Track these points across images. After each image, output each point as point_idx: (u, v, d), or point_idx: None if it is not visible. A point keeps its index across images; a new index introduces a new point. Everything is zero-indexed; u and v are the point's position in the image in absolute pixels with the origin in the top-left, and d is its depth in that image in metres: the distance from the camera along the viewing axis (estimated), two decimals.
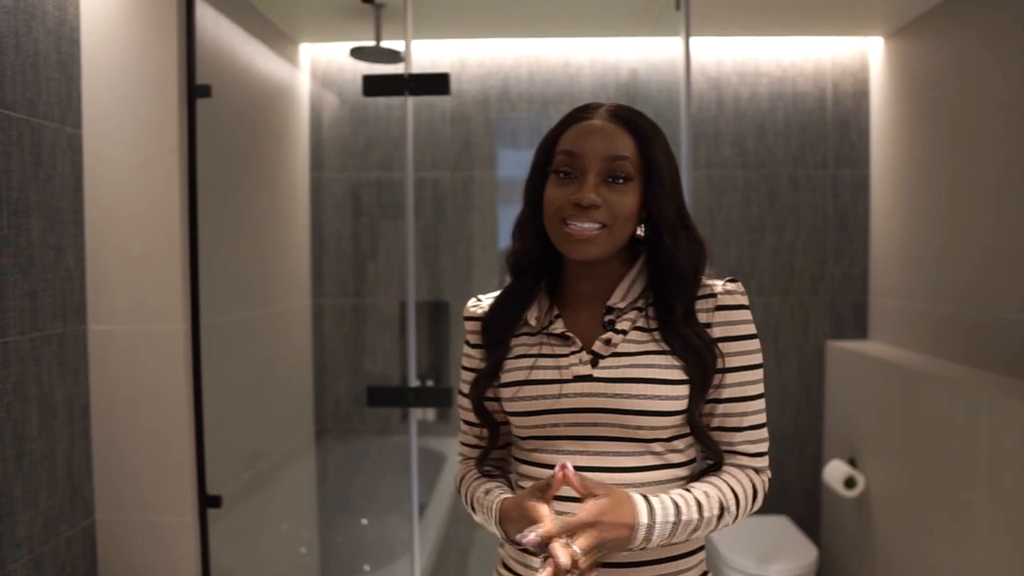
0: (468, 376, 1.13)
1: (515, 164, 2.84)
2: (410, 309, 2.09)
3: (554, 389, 1.00)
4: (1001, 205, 1.99)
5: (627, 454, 0.98)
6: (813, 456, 2.79)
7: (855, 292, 2.80)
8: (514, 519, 0.97)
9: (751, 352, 1.02)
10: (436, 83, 2.01)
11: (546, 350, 1.03)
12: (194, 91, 1.85)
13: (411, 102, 2.09)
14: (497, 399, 1.08)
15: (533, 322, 1.06)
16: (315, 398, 2.88)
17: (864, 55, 2.75)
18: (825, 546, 2.72)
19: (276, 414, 2.59)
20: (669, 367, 0.98)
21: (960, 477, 1.86)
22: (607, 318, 1.03)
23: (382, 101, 2.78)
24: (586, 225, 0.97)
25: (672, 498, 0.95)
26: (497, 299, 1.10)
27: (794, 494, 2.82)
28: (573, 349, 1.02)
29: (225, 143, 2.19)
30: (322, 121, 2.83)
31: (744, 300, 1.03)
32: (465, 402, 1.12)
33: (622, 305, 1.03)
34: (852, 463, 2.49)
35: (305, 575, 2.67)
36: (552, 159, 1.02)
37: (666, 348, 0.99)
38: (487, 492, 1.05)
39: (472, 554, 2.89)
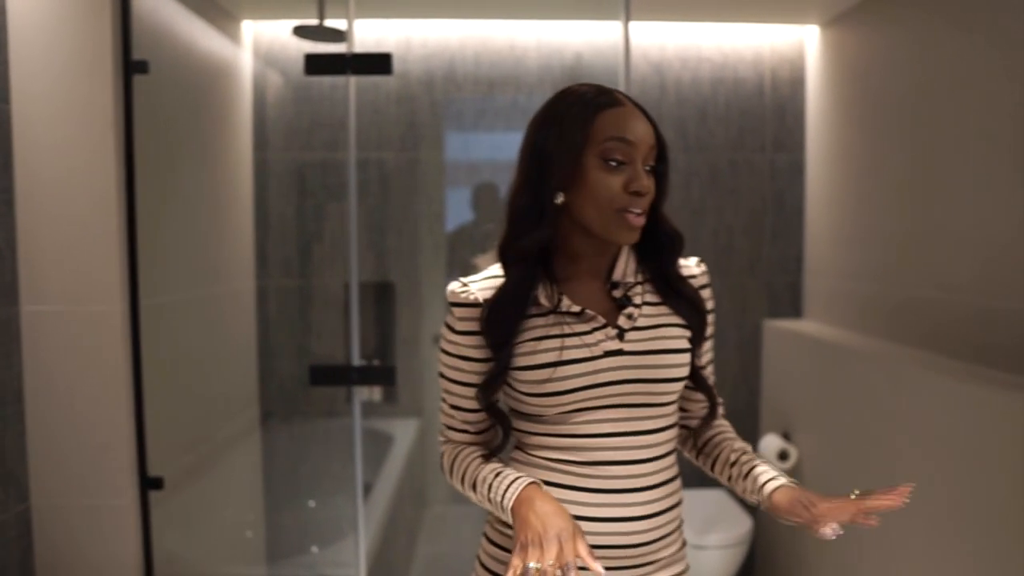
0: (452, 362, 1.10)
1: (461, 145, 2.85)
2: (353, 289, 2.09)
3: (588, 367, 1.03)
4: (921, 189, 2.09)
5: (650, 418, 1.07)
6: (750, 431, 2.89)
7: (791, 273, 2.89)
8: (547, 513, 0.95)
9: (713, 324, 1.17)
10: (378, 63, 2.00)
11: (567, 329, 1.04)
12: (130, 67, 1.81)
13: (354, 82, 2.08)
14: (511, 385, 1.08)
15: (545, 302, 1.05)
16: (260, 380, 2.85)
17: (801, 43, 2.83)
18: (760, 517, 2.82)
19: (220, 396, 2.57)
20: (679, 337, 1.09)
21: (884, 448, 1.96)
22: (615, 292, 1.09)
23: (326, 80, 2.75)
24: (641, 212, 1.03)
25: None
26: (501, 293, 1.06)
27: None
28: (595, 325, 1.05)
29: (164, 121, 2.15)
30: (265, 100, 2.79)
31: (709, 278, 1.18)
32: (452, 387, 1.11)
33: (629, 280, 1.10)
34: (786, 437, 2.59)
35: (251, 557, 2.66)
36: (584, 145, 1.01)
37: (674, 320, 1.09)
38: (497, 473, 1.04)
39: (420, 534, 2.92)
